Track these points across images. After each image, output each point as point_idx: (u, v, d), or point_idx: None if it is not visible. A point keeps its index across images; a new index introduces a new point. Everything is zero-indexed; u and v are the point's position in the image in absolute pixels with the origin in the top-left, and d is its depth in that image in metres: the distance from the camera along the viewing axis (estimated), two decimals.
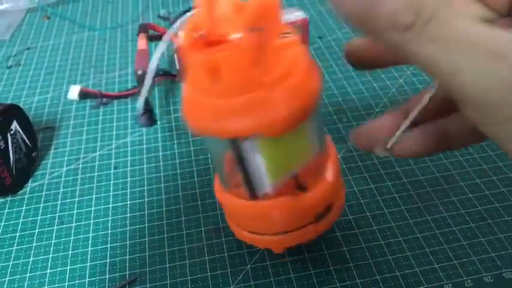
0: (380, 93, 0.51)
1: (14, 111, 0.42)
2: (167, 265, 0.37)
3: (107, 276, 0.36)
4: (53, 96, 0.55)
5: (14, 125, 0.42)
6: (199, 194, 0.42)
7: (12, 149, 0.42)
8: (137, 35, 0.52)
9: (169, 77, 0.53)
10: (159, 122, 0.49)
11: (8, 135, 0.41)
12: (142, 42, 0.51)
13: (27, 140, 0.44)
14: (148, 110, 0.49)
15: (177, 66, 0.52)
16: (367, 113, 0.49)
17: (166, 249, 0.38)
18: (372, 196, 0.40)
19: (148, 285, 0.35)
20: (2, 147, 0.41)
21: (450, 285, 0.34)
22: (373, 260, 0.36)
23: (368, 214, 0.39)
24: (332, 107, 0.50)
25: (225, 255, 0.37)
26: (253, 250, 0.37)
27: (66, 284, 0.36)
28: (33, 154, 0.45)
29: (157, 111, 0.51)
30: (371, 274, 0.35)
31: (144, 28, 0.53)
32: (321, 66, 0.55)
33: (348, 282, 0.35)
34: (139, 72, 0.47)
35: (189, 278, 0.36)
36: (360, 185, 0.41)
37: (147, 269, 0.36)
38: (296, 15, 0.49)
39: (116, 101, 0.53)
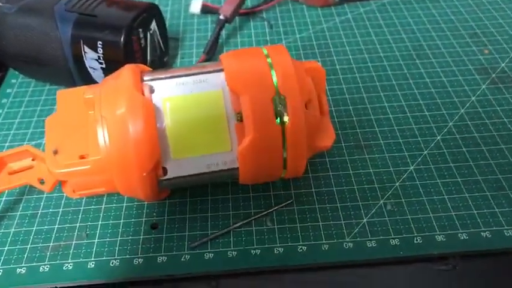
0: None
1: (154, 11, 0.42)
2: (312, 186, 0.36)
3: None
4: (172, 9, 0.54)
5: (153, 25, 0.42)
6: (336, 111, 0.41)
7: (150, 49, 0.41)
8: None
9: None
10: None
11: (148, 34, 0.41)
12: None
13: (161, 43, 0.43)
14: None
15: None
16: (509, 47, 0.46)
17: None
18: None
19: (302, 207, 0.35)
20: (143, 45, 0.40)
21: None
22: None
23: None
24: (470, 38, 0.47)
25: (370, 171, 0.36)
26: (400, 169, 0.36)
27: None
28: (165, 59, 0.45)
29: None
30: None
31: None
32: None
33: None
34: (221, 18, 0.46)
35: (334, 188, 0.35)
36: None
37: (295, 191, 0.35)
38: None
39: (237, 18, 0.51)
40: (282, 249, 0.31)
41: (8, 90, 0.45)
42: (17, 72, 0.46)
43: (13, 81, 0.46)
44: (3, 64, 0.45)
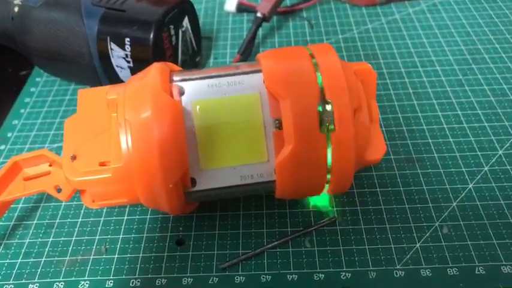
0: None
1: (186, 7, 0.38)
2: (358, 203, 0.32)
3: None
4: (206, 6, 0.51)
5: (186, 22, 0.38)
6: (384, 119, 0.37)
7: (181, 47, 0.38)
8: None
9: None
10: None
11: (180, 31, 0.38)
12: None
13: (194, 42, 0.40)
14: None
15: None
16: None
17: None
18: None
19: (345, 228, 0.31)
20: (174, 43, 0.37)
21: None
22: None
23: None
24: None
25: (423, 188, 0.32)
26: (458, 187, 0.32)
27: None
28: (197, 59, 0.41)
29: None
30: None
31: None
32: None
33: None
34: (258, 15, 0.42)
35: (382, 207, 0.31)
36: None
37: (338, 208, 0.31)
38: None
39: (275, 17, 0.48)
40: (323, 276, 0.28)
41: (32, 89, 0.42)
42: (42, 71, 0.43)
43: (38, 79, 0.43)
44: (29, 62, 0.43)
